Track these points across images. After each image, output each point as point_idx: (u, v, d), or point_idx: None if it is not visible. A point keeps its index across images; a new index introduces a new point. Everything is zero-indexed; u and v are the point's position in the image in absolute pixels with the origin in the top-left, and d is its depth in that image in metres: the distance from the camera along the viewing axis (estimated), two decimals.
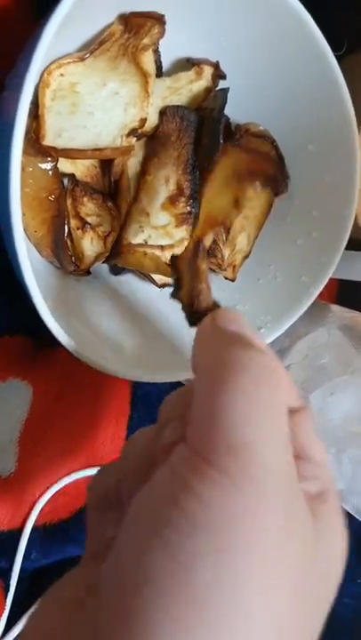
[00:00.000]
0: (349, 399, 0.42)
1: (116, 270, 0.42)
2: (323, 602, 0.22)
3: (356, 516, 0.43)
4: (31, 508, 0.43)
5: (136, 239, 0.39)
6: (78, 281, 0.40)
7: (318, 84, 0.40)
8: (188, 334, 0.29)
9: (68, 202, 0.37)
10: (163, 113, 0.39)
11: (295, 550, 0.20)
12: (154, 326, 0.41)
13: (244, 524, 0.19)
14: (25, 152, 0.29)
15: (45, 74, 0.34)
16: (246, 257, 0.44)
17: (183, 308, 0.34)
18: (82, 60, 0.35)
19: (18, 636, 0.42)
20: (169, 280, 0.41)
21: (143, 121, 0.36)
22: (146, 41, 0.35)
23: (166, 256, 0.39)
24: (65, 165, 0.37)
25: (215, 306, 0.32)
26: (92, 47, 0.35)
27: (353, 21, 0.47)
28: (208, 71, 0.40)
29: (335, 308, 0.46)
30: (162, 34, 0.36)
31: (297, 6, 0.37)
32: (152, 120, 0.38)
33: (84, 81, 0.35)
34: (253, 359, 0.23)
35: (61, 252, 0.37)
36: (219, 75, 0.41)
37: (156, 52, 0.37)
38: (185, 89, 0.40)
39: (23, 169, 0.29)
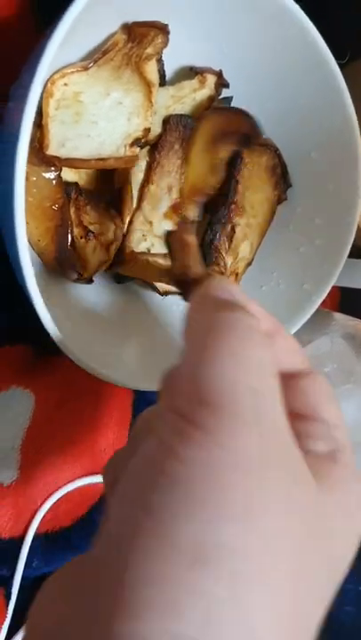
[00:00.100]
0: (352, 408, 0.42)
1: (119, 278, 0.42)
2: (326, 576, 0.21)
3: None
4: (33, 516, 0.43)
5: (139, 247, 0.39)
6: (81, 289, 0.40)
7: (321, 91, 0.40)
8: None
9: (72, 210, 0.37)
10: (166, 122, 0.39)
11: (284, 507, 0.20)
12: (156, 334, 0.41)
13: (224, 479, 0.19)
14: (29, 161, 0.29)
15: (49, 83, 0.34)
16: (249, 264, 0.44)
17: (176, 284, 0.34)
18: (85, 69, 0.35)
19: None
20: (171, 288, 0.41)
21: (147, 130, 0.36)
22: (149, 50, 0.35)
23: (169, 264, 0.39)
24: (68, 174, 0.37)
25: (207, 276, 0.32)
26: (96, 56, 0.35)
27: (356, 30, 0.47)
28: (211, 80, 0.40)
29: (338, 316, 0.46)
30: (165, 43, 0.36)
31: (300, 15, 0.37)
32: (155, 129, 0.38)
33: (87, 90, 0.35)
34: (239, 320, 0.23)
35: (65, 261, 0.37)
36: (222, 83, 0.41)
37: (160, 61, 0.37)
38: (188, 98, 0.40)
39: (27, 178, 0.29)
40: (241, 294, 0.25)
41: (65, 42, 0.29)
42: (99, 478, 0.45)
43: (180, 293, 0.40)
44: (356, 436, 0.42)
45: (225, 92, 0.42)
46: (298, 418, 0.25)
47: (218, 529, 0.18)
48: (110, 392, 0.45)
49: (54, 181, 0.36)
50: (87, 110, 0.35)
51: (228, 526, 0.19)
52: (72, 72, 0.34)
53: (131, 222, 0.39)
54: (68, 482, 0.44)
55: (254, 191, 0.42)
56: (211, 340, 0.22)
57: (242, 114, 0.39)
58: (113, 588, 0.18)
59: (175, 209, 0.38)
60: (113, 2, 0.33)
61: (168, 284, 0.40)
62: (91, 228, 0.38)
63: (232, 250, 0.42)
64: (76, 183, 0.38)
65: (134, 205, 0.39)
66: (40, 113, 0.34)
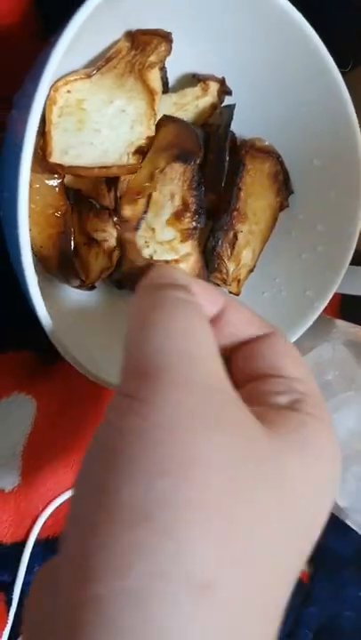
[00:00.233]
0: (354, 416, 0.42)
1: (121, 284, 0.42)
2: (286, 519, 0.21)
3: (360, 533, 0.43)
4: (34, 522, 0.43)
5: (141, 254, 0.39)
6: (83, 295, 0.40)
7: (323, 99, 0.40)
8: None
9: (74, 218, 0.37)
10: None
11: (220, 455, 0.20)
12: None
13: (158, 439, 0.20)
14: (32, 169, 0.29)
15: (52, 91, 0.34)
16: (251, 271, 0.44)
17: (127, 281, 0.36)
18: (89, 76, 0.35)
19: None
20: None
21: (150, 138, 0.36)
22: (152, 58, 0.35)
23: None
24: (71, 181, 0.37)
25: (149, 266, 0.33)
26: (99, 64, 0.35)
27: (359, 38, 0.48)
28: (214, 87, 0.40)
29: (340, 322, 0.46)
30: (169, 51, 0.36)
31: (302, 23, 0.37)
32: None
33: (90, 98, 0.35)
34: (169, 296, 0.24)
35: (67, 268, 0.37)
36: (225, 91, 0.41)
37: (163, 69, 0.37)
38: (191, 105, 0.40)
39: (30, 186, 0.29)
40: (180, 276, 0.26)
41: (68, 49, 0.29)
42: None
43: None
44: (357, 444, 0.42)
45: (227, 100, 0.42)
46: (260, 378, 0.25)
47: (153, 485, 0.19)
48: (111, 397, 0.45)
49: (57, 189, 0.36)
50: (90, 118, 0.35)
51: (163, 480, 0.19)
52: (75, 79, 0.34)
53: None
54: (70, 487, 0.44)
55: (256, 198, 0.42)
56: (143, 319, 0.23)
57: (189, 129, 0.39)
58: (73, 563, 0.19)
59: (178, 216, 0.38)
60: (117, 10, 0.33)
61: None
62: (93, 235, 0.38)
63: (234, 256, 0.42)
64: (78, 190, 0.38)
65: None
66: (43, 120, 0.34)
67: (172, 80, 0.40)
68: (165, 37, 0.36)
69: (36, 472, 0.43)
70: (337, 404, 0.42)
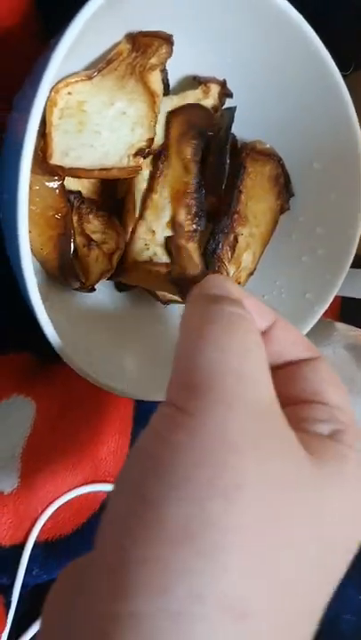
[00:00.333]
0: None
1: (121, 287, 0.42)
2: (318, 550, 0.21)
3: None
4: (33, 524, 0.43)
5: (141, 256, 0.39)
6: (83, 298, 0.40)
7: (324, 102, 0.40)
8: None
9: (74, 219, 0.37)
10: None
11: (267, 481, 0.20)
12: (158, 344, 0.41)
13: (206, 458, 0.20)
14: (32, 171, 0.28)
15: (53, 92, 0.34)
16: (251, 274, 0.44)
17: (175, 286, 0.36)
18: (89, 78, 0.35)
19: None
20: (173, 297, 0.41)
21: (150, 141, 0.36)
22: (153, 61, 0.35)
23: (172, 274, 0.39)
24: (71, 183, 0.37)
25: (202, 275, 0.33)
26: (100, 66, 0.35)
27: (360, 40, 0.48)
28: (215, 89, 0.40)
29: (340, 326, 0.46)
30: (170, 54, 0.36)
31: (304, 25, 0.37)
32: (159, 138, 0.38)
33: (91, 100, 0.35)
34: (225, 311, 0.23)
35: (67, 269, 0.37)
36: (225, 93, 0.41)
37: (164, 71, 0.37)
38: None
39: (30, 187, 0.29)
40: (234, 289, 0.26)
41: (69, 51, 0.29)
42: (99, 487, 0.45)
43: (181, 301, 0.40)
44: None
45: (228, 102, 0.42)
46: (301, 403, 0.25)
47: (201, 506, 0.19)
48: (111, 401, 0.45)
49: (57, 190, 0.36)
50: (91, 120, 0.35)
51: (211, 503, 0.19)
52: (76, 81, 0.34)
53: (133, 231, 0.39)
54: (69, 490, 0.44)
55: (257, 201, 0.42)
56: (198, 333, 0.23)
57: (198, 108, 0.39)
58: (111, 573, 0.19)
59: None
60: (118, 12, 0.33)
61: (170, 292, 0.40)
62: (93, 236, 0.38)
63: (235, 259, 0.42)
64: (79, 192, 0.38)
65: (137, 214, 0.39)
66: (43, 122, 0.34)
67: (172, 82, 0.40)
68: (167, 39, 0.36)
69: (36, 474, 0.43)
70: None
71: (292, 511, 0.20)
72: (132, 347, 0.40)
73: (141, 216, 0.39)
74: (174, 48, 0.37)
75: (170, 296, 0.41)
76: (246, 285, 0.44)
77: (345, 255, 0.41)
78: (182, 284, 0.37)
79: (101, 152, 0.35)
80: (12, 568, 0.43)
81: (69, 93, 0.34)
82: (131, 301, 0.42)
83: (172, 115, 0.39)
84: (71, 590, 0.21)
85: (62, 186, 0.36)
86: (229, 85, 0.41)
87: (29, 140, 0.28)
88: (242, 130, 0.42)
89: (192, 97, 0.40)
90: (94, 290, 0.39)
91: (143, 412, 0.47)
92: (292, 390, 0.26)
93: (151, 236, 0.38)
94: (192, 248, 0.38)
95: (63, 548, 0.44)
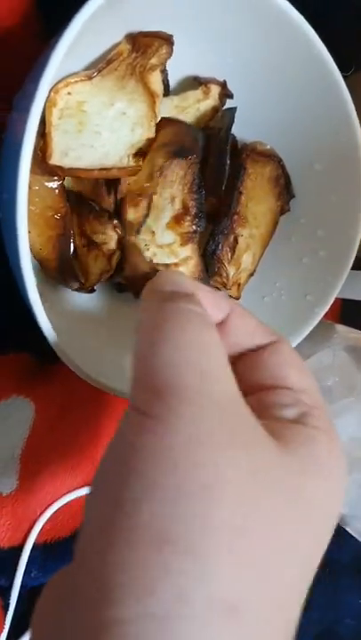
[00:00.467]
0: (354, 422, 0.42)
1: (121, 287, 0.42)
2: (304, 534, 0.21)
3: (360, 540, 0.43)
4: (32, 526, 0.43)
5: (144, 258, 0.39)
6: (82, 298, 0.40)
7: (325, 103, 0.40)
8: None
9: (74, 220, 0.37)
10: None
11: (239, 474, 0.20)
12: None
13: (175, 459, 0.20)
14: (31, 171, 0.28)
15: (52, 92, 0.34)
16: (251, 275, 0.44)
17: (129, 284, 0.36)
18: (89, 78, 0.35)
19: None
20: None
21: (150, 141, 0.36)
22: (154, 61, 0.35)
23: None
24: (71, 183, 0.37)
25: (153, 272, 0.33)
26: (100, 66, 0.35)
27: (360, 41, 0.47)
28: (215, 90, 0.40)
29: (340, 328, 0.46)
30: (170, 54, 0.36)
31: (305, 26, 0.37)
32: None
33: (91, 100, 0.35)
34: (179, 308, 0.23)
35: (66, 270, 0.37)
36: (226, 94, 0.41)
37: (164, 71, 0.37)
38: (192, 108, 0.40)
39: (29, 187, 0.29)
40: (187, 283, 0.26)
41: (69, 51, 0.29)
42: None
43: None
44: (357, 450, 0.41)
45: (229, 103, 0.42)
46: (265, 389, 0.25)
47: (176, 507, 0.19)
48: (111, 401, 0.45)
49: (57, 191, 0.36)
50: (91, 120, 0.35)
51: (186, 502, 0.19)
52: (76, 81, 0.34)
53: None
54: (68, 492, 0.44)
55: (257, 202, 0.42)
56: (154, 333, 0.23)
57: (187, 128, 0.39)
58: (94, 581, 0.19)
59: (177, 220, 0.38)
60: (118, 12, 0.33)
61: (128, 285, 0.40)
62: (93, 237, 0.37)
63: (234, 260, 0.42)
64: (78, 192, 0.38)
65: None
66: (43, 122, 0.34)
67: (172, 83, 0.40)
68: (167, 40, 0.36)
69: (35, 476, 0.43)
70: (337, 410, 0.42)
71: (269, 502, 0.20)
72: (130, 347, 0.40)
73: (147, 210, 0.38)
74: (174, 48, 0.37)
75: None
76: (246, 287, 0.44)
77: (346, 257, 0.41)
78: (134, 282, 0.37)
79: (101, 152, 0.35)
80: (10, 570, 0.42)
81: (69, 93, 0.34)
82: (130, 302, 0.42)
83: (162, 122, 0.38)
84: (58, 601, 0.21)
85: (62, 186, 0.36)
86: (230, 86, 0.41)
87: (29, 139, 0.28)
88: (242, 131, 0.42)
89: (192, 98, 0.40)
90: (94, 290, 0.39)
91: None
92: (254, 378, 0.26)
93: (151, 237, 0.38)
94: (138, 244, 0.38)
95: (62, 550, 0.44)
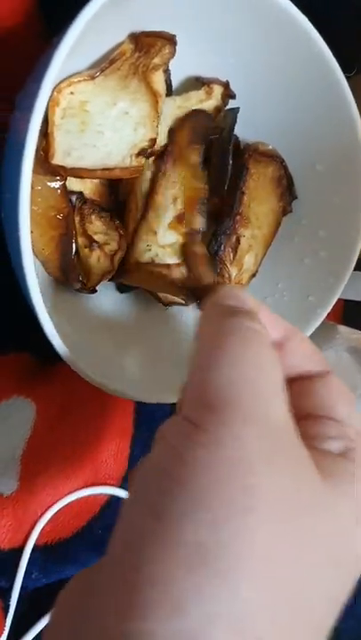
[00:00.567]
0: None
1: (123, 288, 0.42)
2: (334, 572, 0.21)
3: None
4: (32, 527, 0.43)
5: (143, 257, 0.39)
6: (84, 299, 0.40)
7: (327, 104, 0.40)
8: None
9: (76, 220, 0.37)
10: (172, 132, 0.39)
11: (284, 503, 0.20)
12: (158, 345, 0.41)
13: (225, 478, 0.20)
14: (34, 171, 0.28)
15: (55, 92, 0.33)
16: (253, 276, 0.44)
17: (192, 293, 0.37)
18: (92, 78, 0.34)
19: None
20: (175, 299, 0.41)
21: (153, 141, 0.36)
22: (156, 61, 0.35)
23: (173, 275, 0.39)
24: (73, 183, 0.37)
25: (218, 284, 0.33)
26: (103, 66, 0.35)
27: None
28: (218, 91, 0.40)
29: (343, 329, 0.46)
30: (173, 54, 0.36)
31: (307, 27, 0.37)
32: (161, 139, 0.38)
33: (94, 100, 0.35)
34: (242, 325, 0.23)
35: (68, 270, 0.37)
36: (228, 94, 0.41)
37: (167, 71, 0.37)
38: (195, 108, 0.40)
39: (32, 187, 0.29)
40: (249, 300, 0.26)
41: (72, 50, 0.29)
42: (99, 490, 0.44)
43: (184, 304, 0.40)
44: None
45: (231, 103, 0.42)
46: (312, 419, 0.25)
47: (218, 528, 0.19)
48: (112, 403, 0.45)
49: (59, 191, 0.35)
50: (93, 120, 0.35)
51: (226, 525, 0.19)
52: (79, 81, 0.34)
53: (135, 232, 0.39)
54: (69, 493, 0.44)
55: (260, 202, 0.42)
56: (214, 347, 0.23)
57: (201, 114, 0.39)
58: (122, 590, 0.19)
59: (180, 219, 0.38)
60: (121, 11, 0.32)
61: (172, 293, 0.40)
62: (95, 237, 0.37)
63: (237, 261, 0.41)
64: (81, 192, 0.37)
65: (139, 215, 0.39)
66: (46, 121, 0.34)
67: (175, 83, 0.40)
68: (170, 40, 0.36)
69: (35, 477, 0.42)
70: None
71: (304, 533, 0.20)
72: (133, 348, 0.40)
73: (143, 217, 0.38)
74: (177, 49, 0.37)
75: (171, 298, 0.41)
76: (248, 287, 0.44)
77: (348, 258, 0.41)
78: (199, 293, 0.37)
79: (104, 152, 0.35)
80: (11, 571, 0.42)
81: (72, 93, 0.34)
82: (132, 303, 0.42)
83: (177, 122, 0.39)
84: (81, 597, 0.21)
85: (64, 186, 0.36)
86: (232, 86, 0.41)
87: (31, 139, 0.28)
88: (244, 131, 0.42)
89: (195, 98, 0.40)
90: (96, 291, 0.39)
91: (144, 414, 0.47)
92: (303, 405, 0.26)
93: (153, 236, 0.38)
94: (205, 254, 0.38)
95: (63, 551, 0.44)
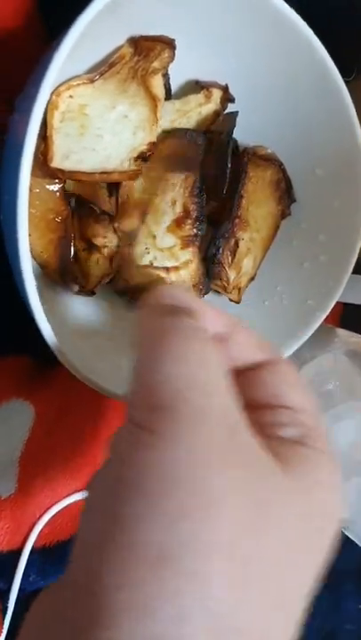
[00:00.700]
0: (354, 426, 0.42)
1: (121, 291, 0.42)
2: (305, 557, 0.21)
3: (360, 544, 0.43)
4: (30, 529, 0.43)
5: (142, 260, 0.39)
6: (82, 301, 0.40)
7: (327, 108, 0.40)
8: None
9: (75, 223, 0.37)
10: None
11: (241, 495, 0.20)
12: None
13: (177, 477, 0.19)
14: (32, 174, 0.28)
15: (54, 95, 0.34)
16: (252, 279, 0.44)
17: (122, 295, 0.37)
18: (91, 82, 0.35)
19: None
20: None
21: (152, 144, 0.36)
22: (156, 65, 0.35)
23: (171, 278, 0.39)
24: (72, 186, 0.37)
25: (154, 284, 0.33)
26: (102, 69, 0.35)
27: None
28: (217, 94, 0.40)
29: (341, 332, 0.46)
30: (172, 58, 0.36)
31: (307, 31, 0.37)
32: None
33: (93, 103, 0.35)
34: (180, 323, 0.23)
35: (67, 273, 0.37)
36: (228, 98, 0.41)
37: (166, 75, 0.37)
38: (194, 112, 0.40)
39: (30, 190, 0.29)
40: (186, 297, 0.25)
41: (71, 53, 0.29)
42: None
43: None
44: (358, 454, 0.41)
45: (230, 107, 0.42)
46: (265, 408, 0.25)
47: (176, 526, 0.19)
48: (110, 405, 0.45)
49: (58, 193, 0.36)
50: (92, 123, 0.35)
51: (185, 522, 0.19)
52: (78, 84, 0.34)
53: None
54: (67, 495, 0.44)
55: (258, 206, 0.42)
56: (155, 346, 0.22)
57: (192, 139, 0.39)
58: (88, 599, 0.19)
59: (179, 223, 0.38)
60: (120, 15, 0.33)
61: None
62: (94, 240, 0.37)
63: (235, 264, 0.41)
64: (79, 195, 0.38)
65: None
66: (45, 124, 0.34)
67: (174, 86, 0.40)
68: (169, 44, 0.36)
69: (33, 479, 0.42)
70: (337, 415, 0.42)
71: (267, 522, 0.20)
72: (131, 351, 0.40)
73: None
74: (177, 53, 0.37)
75: None
76: (247, 291, 0.44)
77: (347, 261, 0.41)
78: (129, 294, 0.37)
79: (103, 155, 0.35)
80: (8, 573, 0.42)
81: (71, 96, 0.34)
82: (130, 305, 0.42)
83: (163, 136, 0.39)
84: (46, 617, 0.21)
85: (63, 189, 0.36)
86: (231, 90, 0.41)
87: (30, 142, 0.28)
88: (243, 135, 0.42)
89: (194, 102, 0.40)
90: (94, 294, 0.39)
91: None
92: (254, 395, 0.26)
93: (152, 240, 0.38)
94: (133, 255, 0.38)
95: (61, 553, 0.44)
